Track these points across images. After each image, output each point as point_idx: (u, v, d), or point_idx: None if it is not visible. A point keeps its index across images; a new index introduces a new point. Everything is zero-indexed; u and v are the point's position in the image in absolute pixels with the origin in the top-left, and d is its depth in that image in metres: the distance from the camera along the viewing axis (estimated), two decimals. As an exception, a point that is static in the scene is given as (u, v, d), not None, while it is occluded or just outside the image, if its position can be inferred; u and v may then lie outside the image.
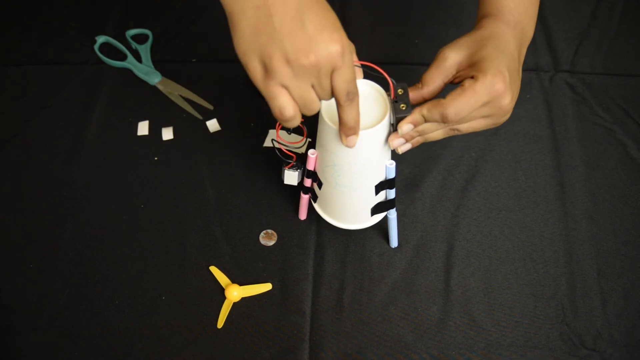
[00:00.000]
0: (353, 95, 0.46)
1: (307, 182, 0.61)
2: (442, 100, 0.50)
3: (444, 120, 0.50)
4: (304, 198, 0.65)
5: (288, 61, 0.42)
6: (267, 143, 0.74)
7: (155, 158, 0.73)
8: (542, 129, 0.75)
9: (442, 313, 0.62)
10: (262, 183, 0.71)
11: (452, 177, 0.71)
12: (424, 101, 0.54)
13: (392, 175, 0.56)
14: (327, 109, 0.52)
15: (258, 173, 0.72)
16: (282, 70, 0.42)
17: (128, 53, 0.80)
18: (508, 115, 0.52)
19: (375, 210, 0.60)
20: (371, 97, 0.53)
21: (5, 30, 0.84)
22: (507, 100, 0.50)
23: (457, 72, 0.53)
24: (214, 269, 0.65)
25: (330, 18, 0.42)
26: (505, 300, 0.63)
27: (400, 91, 0.51)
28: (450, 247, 0.66)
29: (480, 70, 0.50)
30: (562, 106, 0.77)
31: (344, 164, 0.54)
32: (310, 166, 0.58)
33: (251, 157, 0.73)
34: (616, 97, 0.77)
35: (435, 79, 0.53)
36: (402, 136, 0.53)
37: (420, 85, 0.54)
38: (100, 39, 0.81)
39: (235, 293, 0.63)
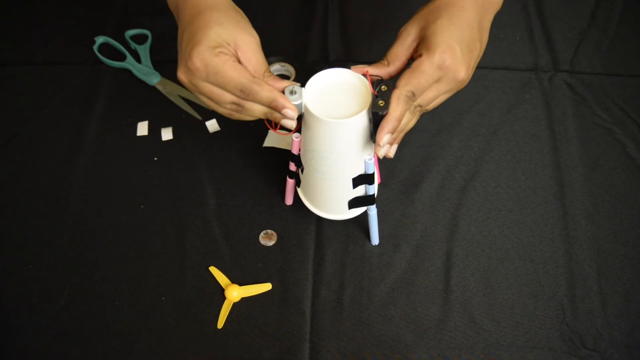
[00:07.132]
0: (236, 110, 0.51)
1: (292, 167, 0.62)
2: (398, 86, 0.50)
3: (414, 99, 0.50)
4: (290, 182, 0.65)
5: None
6: (267, 143, 0.74)
7: (155, 158, 0.73)
8: (542, 129, 0.75)
9: (442, 313, 0.63)
10: (261, 183, 0.71)
11: (452, 177, 0.71)
12: (388, 77, 0.54)
13: (371, 170, 0.56)
14: (311, 91, 0.52)
15: (258, 173, 0.72)
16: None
17: (127, 53, 0.80)
18: (466, 83, 0.52)
19: (353, 203, 0.60)
20: (355, 88, 0.52)
21: (4, 30, 0.84)
22: (462, 74, 0.50)
23: (416, 46, 0.53)
24: (213, 269, 0.65)
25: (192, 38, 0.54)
26: (505, 300, 0.63)
27: (383, 88, 0.50)
28: (449, 247, 0.67)
29: (428, 48, 0.50)
30: (562, 106, 0.77)
31: (322, 150, 0.54)
32: (294, 150, 0.58)
33: (251, 157, 0.73)
34: (615, 97, 0.77)
35: (400, 55, 0.53)
36: (387, 143, 0.52)
37: (386, 63, 0.53)
38: (100, 40, 0.81)
39: (235, 293, 0.63)
